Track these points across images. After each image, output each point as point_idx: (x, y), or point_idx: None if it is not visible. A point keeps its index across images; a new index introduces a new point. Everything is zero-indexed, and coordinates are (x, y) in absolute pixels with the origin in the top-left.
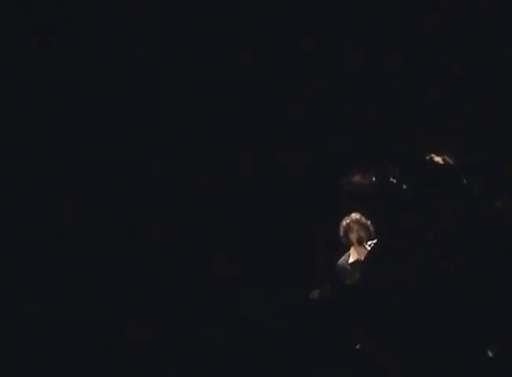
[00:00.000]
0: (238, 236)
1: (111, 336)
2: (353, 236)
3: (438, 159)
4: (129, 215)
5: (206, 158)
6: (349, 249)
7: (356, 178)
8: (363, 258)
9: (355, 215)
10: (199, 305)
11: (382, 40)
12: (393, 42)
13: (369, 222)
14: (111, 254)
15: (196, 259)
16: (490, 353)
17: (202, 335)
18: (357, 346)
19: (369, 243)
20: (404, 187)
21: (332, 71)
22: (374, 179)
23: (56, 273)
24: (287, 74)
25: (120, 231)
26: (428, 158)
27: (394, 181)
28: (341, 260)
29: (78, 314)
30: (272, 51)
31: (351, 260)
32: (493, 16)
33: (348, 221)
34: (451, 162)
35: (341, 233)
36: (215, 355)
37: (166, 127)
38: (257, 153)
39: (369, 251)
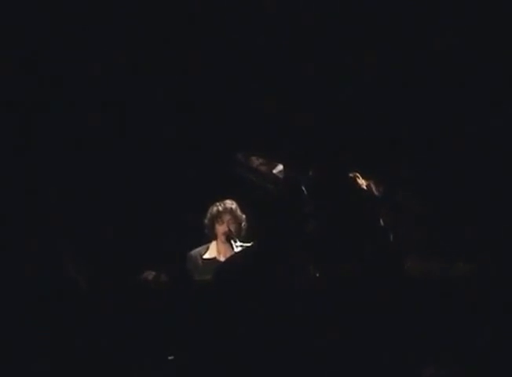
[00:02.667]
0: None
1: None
2: (221, 229)
3: (362, 181)
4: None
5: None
6: (209, 240)
7: (256, 161)
8: (222, 258)
9: (230, 203)
10: None
11: None
12: None
13: (244, 217)
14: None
15: None
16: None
17: None
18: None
19: (238, 243)
20: (305, 192)
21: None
22: (276, 171)
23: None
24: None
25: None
26: (352, 175)
27: (299, 183)
28: (195, 251)
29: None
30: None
31: (207, 255)
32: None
33: (220, 208)
34: (374, 192)
35: (207, 221)
36: None
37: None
38: None
39: (236, 254)
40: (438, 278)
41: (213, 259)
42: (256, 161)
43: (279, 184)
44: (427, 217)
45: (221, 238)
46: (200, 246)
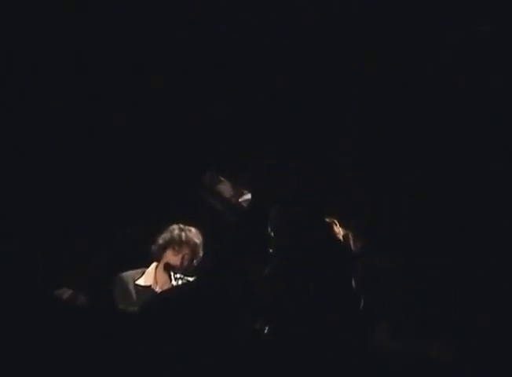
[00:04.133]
0: None
1: None
2: (171, 259)
3: (339, 230)
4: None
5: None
6: (147, 264)
7: (223, 186)
8: (159, 288)
9: (197, 237)
10: None
11: None
12: None
13: (201, 255)
14: None
15: None
16: None
17: None
18: None
19: (178, 275)
20: (271, 230)
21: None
22: (243, 199)
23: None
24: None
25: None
26: (329, 220)
27: (265, 218)
28: (128, 274)
29: None
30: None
31: (141, 281)
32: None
33: (183, 237)
34: (351, 246)
35: (161, 241)
36: None
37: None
38: None
39: (175, 288)
40: (408, 359)
41: (148, 287)
42: (222, 185)
43: (242, 215)
44: (405, 286)
45: (163, 266)
46: (133, 268)
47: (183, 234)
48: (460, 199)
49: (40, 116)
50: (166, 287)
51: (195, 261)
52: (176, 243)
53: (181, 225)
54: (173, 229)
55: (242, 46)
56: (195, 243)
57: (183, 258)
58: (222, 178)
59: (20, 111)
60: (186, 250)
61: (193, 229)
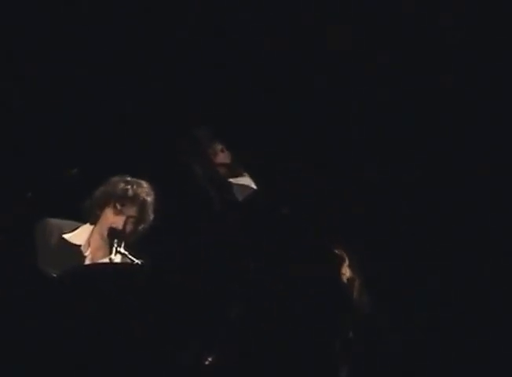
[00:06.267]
0: None
1: None
2: (113, 220)
3: (346, 271)
4: None
5: None
6: (85, 220)
7: (218, 155)
8: (90, 254)
9: (146, 193)
10: None
11: None
12: None
13: (151, 218)
14: None
15: None
16: None
17: None
18: None
19: (123, 250)
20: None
21: None
22: (237, 182)
23: None
24: None
25: None
26: (338, 252)
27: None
28: (56, 222)
29: None
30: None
31: (70, 237)
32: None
33: (130, 191)
34: (355, 294)
35: (98, 195)
36: None
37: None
38: None
39: (114, 267)
40: None
41: (77, 247)
42: (218, 153)
43: (230, 203)
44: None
45: (104, 231)
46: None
47: (129, 190)
48: (460, 199)
49: (40, 116)
50: (99, 254)
51: (142, 225)
52: (118, 200)
53: (128, 178)
54: (117, 182)
55: (242, 46)
56: (144, 202)
57: (127, 221)
58: (223, 148)
59: (20, 111)
60: (132, 210)
61: (144, 183)
